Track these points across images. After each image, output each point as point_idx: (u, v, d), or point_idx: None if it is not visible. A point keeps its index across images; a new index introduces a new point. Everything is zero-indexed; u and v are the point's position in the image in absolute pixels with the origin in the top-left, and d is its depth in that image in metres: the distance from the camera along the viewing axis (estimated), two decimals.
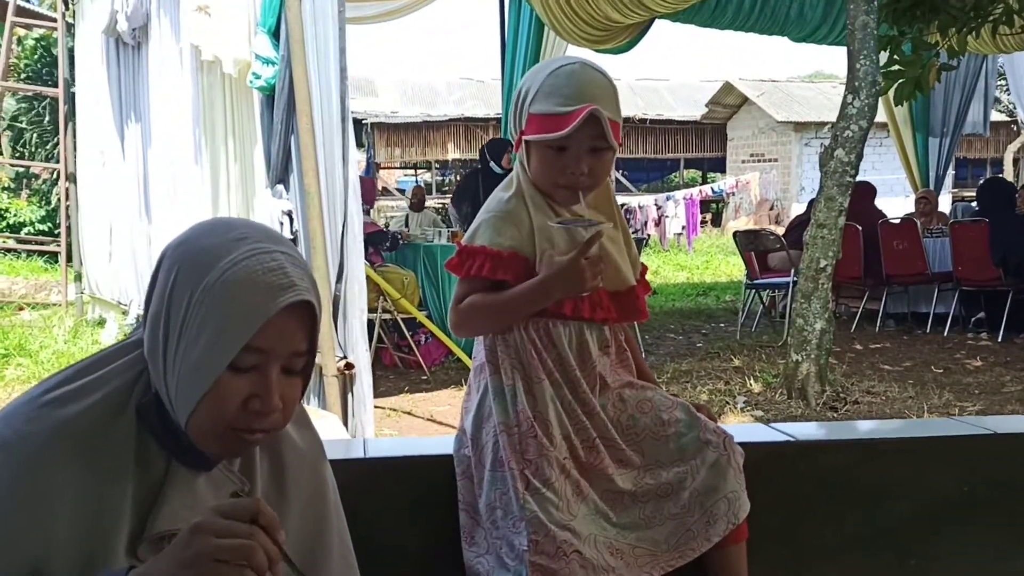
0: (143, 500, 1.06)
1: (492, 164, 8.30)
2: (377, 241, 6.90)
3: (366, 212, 8.96)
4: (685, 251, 17.03)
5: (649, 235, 17.62)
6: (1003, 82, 14.09)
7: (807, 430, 2.26)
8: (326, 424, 4.05)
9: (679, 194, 18.42)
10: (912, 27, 7.15)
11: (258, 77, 4.81)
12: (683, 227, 17.71)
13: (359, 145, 22.10)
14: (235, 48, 5.01)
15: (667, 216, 17.54)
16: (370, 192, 9.71)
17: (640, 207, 18.03)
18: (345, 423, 4.55)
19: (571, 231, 1.58)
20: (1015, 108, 13.62)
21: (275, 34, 4.77)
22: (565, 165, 1.59)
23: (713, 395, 5.41)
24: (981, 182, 10.21)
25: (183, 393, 1.05)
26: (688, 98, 24.50)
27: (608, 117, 1.55)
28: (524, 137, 1.63)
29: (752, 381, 5.60)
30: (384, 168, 24.00)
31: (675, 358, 6.86)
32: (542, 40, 10.21)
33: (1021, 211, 7.48)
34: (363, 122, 21.63)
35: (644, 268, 1.80)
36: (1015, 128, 19.45)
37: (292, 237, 4.91)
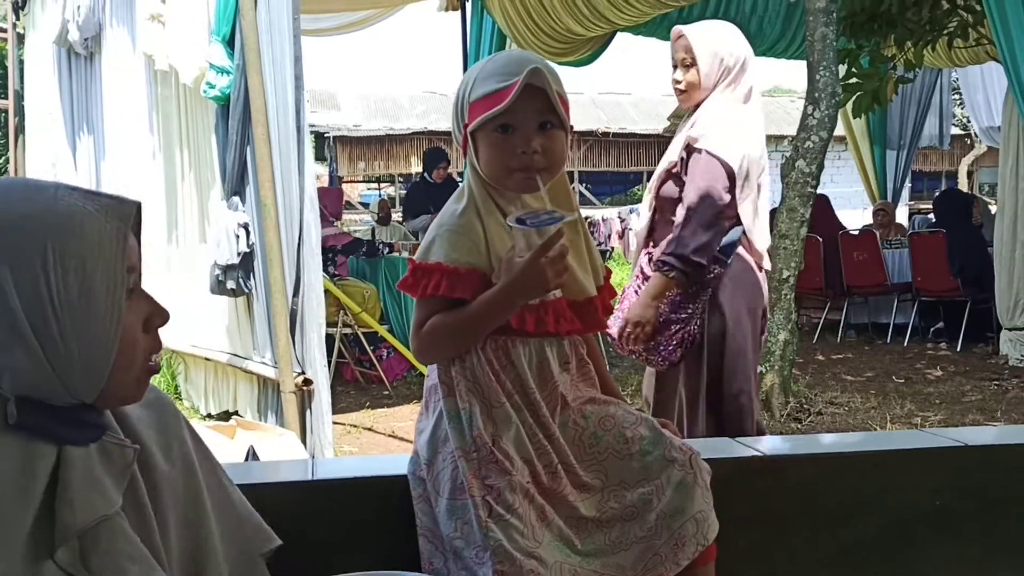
0: (45, 502, 0.99)
1: (426, 175, 8.28)
2: (353, 250, 6.82)
3: (334, 224, 8.86)
4: None
5: (613, 248, 17.69)
6: (957, 96, 14.32)
7: (774, 444, 2.21)
8: (284, 442, 3.94)
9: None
10: (870, 40, 7.24)
11: (212, 87, 4.71)
12: None
13: (322, 159, 21.95)
14: (190, 57, 4.91)
15: (630, 229, 17.62)
16: (338, 203, 9.60)
17: (604, 220, 18.10)
18: (304, 441, 4.44)
19: (527, 233, 1.49)
20: (969, 122, 13.84)
21: (230, 43, 4.68)
22: (515, 145, 1.50)
23: None
24: (937, 193, 10.34)
25: (94, 365, 0.99)
26: (650, 112, 24.67)
27: (556, 91, 1.49)
28: (468, 129, 1.54)
29: None
30: (347, 182, 23.84)
31: (639, 370, 6.81)
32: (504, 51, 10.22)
33: (977, 222, 7.57)
34: (325, 135, 21.49)
35: (608, 272, 1.72)
36: (969, 141, 19.78)
37: (249, 249, 4.80)
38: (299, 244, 4.52)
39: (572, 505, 1.53)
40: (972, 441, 1.86)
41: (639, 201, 21.46)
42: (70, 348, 0.97)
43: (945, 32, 7.26)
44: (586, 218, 18.04)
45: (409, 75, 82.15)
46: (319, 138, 21.19)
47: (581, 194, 24.12)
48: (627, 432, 1.58)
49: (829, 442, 2.46)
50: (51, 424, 1.00)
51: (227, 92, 4.67)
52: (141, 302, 1.05)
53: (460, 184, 1.69)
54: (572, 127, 1.58)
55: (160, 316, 1.06)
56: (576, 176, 24.26)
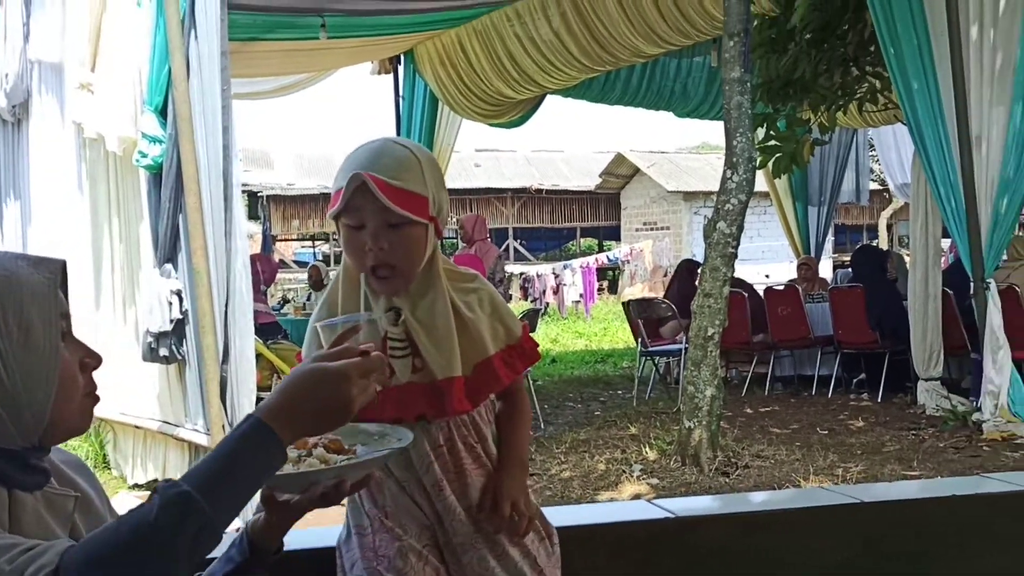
0: None
1: None
2: (270, 333, 6.82)
3: (264, 293, 8.86)
4: (583, 318, 17.29)
5: (548, 303, 17.88)
6: (874, 153, 14.94)
7: (688, 505, 2.31)
8: None
9: (576, 262, 18.82)
10: (786, 105, 7.57)
11: (144, 156, 4.75)
12: (581, 295, 18.05)
13: (255, 217, 21.83)
14: (120, 126, 4.94)
15: (565, 284, 17.86)
16: (271, 273, 9.58)
17: (538, 276, 18.32)
18: None
19: (330, 328, 1.34)
20: (885, 177, 14.44)
21: (162, 112, 4.73)
22: (363, 242, 1.45)
23: (610, 464, 5.47)
24: (854, 250, 10.74)
25: (38, 402, 1.05)
26: (582, 168, 25.17)
27: (397, 186, 1.42)
28: (328, 217, 1.53)
29: (648, 449, 5.68)
30: (281, 240, 23.73)
31: (573, 427, 6.91)
32: (436, 113, 10.38)
33: (892, 276, 7.89)
34: (259, 194, 21.42)
35: (525, 326, 1.69)
36: (888, 195, 20.57)
37: (181, 316, 4.80)
38: (226, 310, 4.55)
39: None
40: (868, 498, 1.99)
41: (573, 257, 21.79)
42: (16, 387, 1.04)
43: (856, 97, 7.65)
44: (520, 274, 18.01)
45: (344, 134, 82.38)
46: (252, 197, 21.12)
47: (516, 250, 24.38)
48: None
49: (739, 502, 2.56)
50: (2, 467, 1.05)
51: (159, 161, 4.71)
52: (74, 346, 1.12)
53: None
54: (441, 217, 1.52)
55: (93, 358, 1.13)
56: (511, 232, 24.53)
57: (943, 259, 8.43)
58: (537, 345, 1.71)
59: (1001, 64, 5.79)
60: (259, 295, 7.60)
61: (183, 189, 4.62)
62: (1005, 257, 6.50)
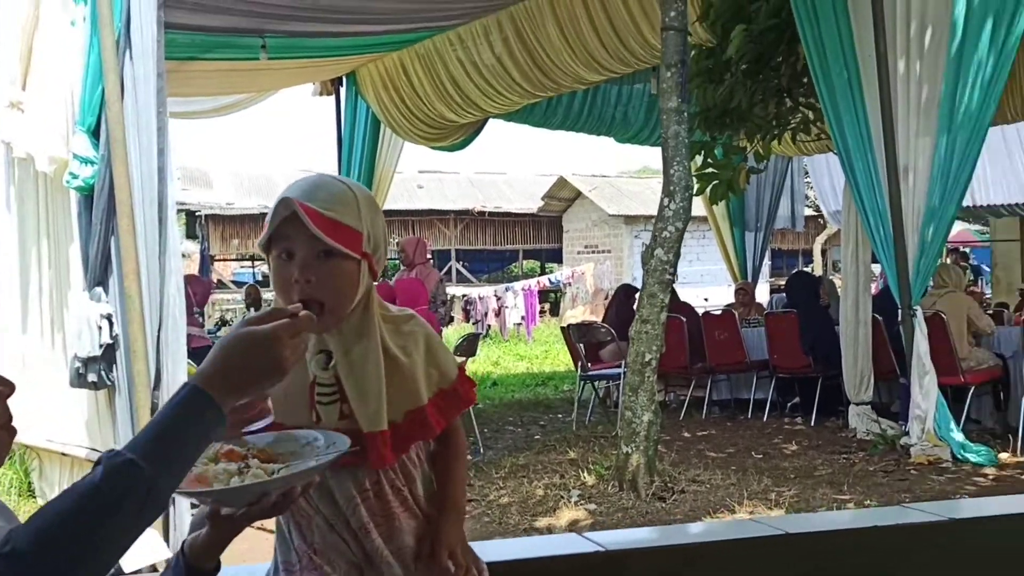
0: None
1: None
2: (204, 357, 6.69)
3: (199, 314, 8.71)
4: (525, 341, 17.33)
5: (490, 326, 17.88)
6: (809, 180, 15.30)
7: (617, 538, 2.33)
8: (145, 539, 3.82)
9: (518, 285, 18.87)
10: (723, 133, 7.73)
11: (76, 177, 4.64)
12: (522, 317, 18.10)
13: (193, 237, 21.48)
14: (51, 146, 4.83)
15: (507, 306, 17.90)
16: (205, 293, 9.43)
17: (480, 298, 18.33)
18: (167, 538, 4.31)
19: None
20: (819, 204, 14.79)
21: (95, 133, 4.64)
22: (291, 273, 1.40)
23: (548, 489, 5.47)
24: (789, 277, 10.97)
25: None
26: (525, 191, 25.31)
27: (330, 216, 1.39)
28: (257, 245, 1.52)
29: (586, 474, 5.70)
30: (219, 260, 23.37)
31: (513, 452, 6.91)
32: (379, 135, 10.36)
33: (825, 302, 8.07)
34: (197, 214, 21.11)
35: (462, 367, 1.66)
36: (822, 221, 21.05)
37: (112, 341, 4.70)
38: (159, 336, 4.47)
39: None
40: (795, 529, 2.02)
41: (516, 279, 21.86)
42: None
43: (790, 127, 7.84)
44: (463, 296, 17.99)
45: (285, 153, 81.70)
46: (190, 216, 20.80)
47: (458, 272, 24.38)
48: None
49: (670, 534, 2.59)
50: None
51: (91, 182, 4.61)
52: None
53: None
54: (377, 257, 1.49)
55: (6, 385, 1.08)
56: (453, 254, 24.52)
57: (874, 285, 8.65)
58: (474, 386, 1.69)
59: (927, 97, 5.99)
60: (192, 318, 7.47)
61: (115, 211, 4.53)
62: (932, 284, 6.69)
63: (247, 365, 1.12)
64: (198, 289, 8.72)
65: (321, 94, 10.44)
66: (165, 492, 1.00)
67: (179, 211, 20.67)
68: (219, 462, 1.30)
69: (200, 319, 8.99)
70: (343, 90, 10.35)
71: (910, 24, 5.94)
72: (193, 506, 4.09)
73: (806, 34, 6.30)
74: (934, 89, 5.94)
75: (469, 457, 6.68)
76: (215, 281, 19.94)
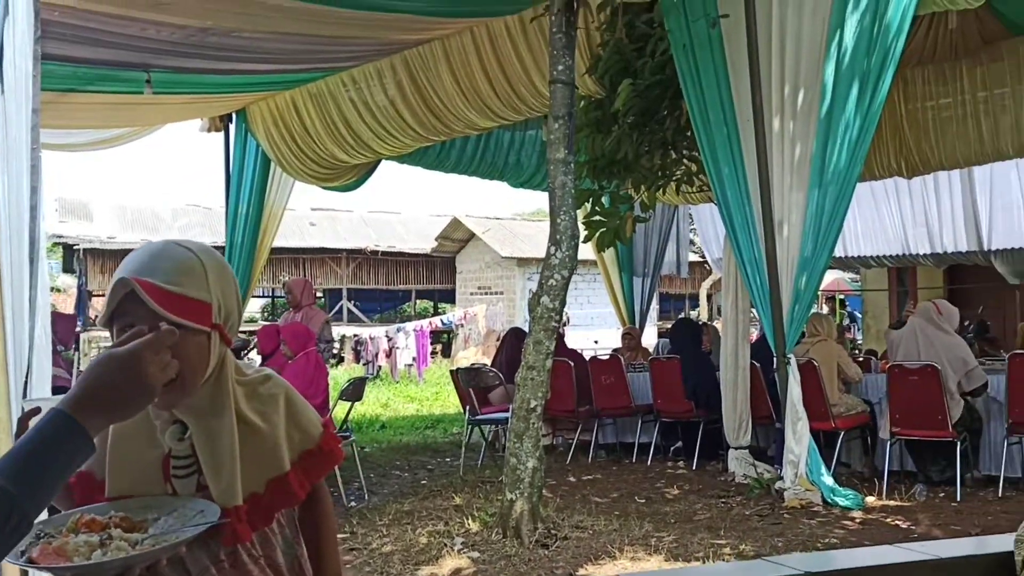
0: None
1: None
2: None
3: (62, 352, 8.32)
4: (416, 382, 17.21)
5: (380, 367, 17.70)
6: (695, 227, 15.77)
7: None
8: None
9: (410, 325, 18.77)
10: (610, 182, 7.92)
11: None
12: (414, 358, 17.99)
13: (71, 271, 20.61)
14: None
15: (398, 347, 17.76)
16: (69, 330, 9.01)
17: (371, 338, 18.14)
18: None
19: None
20: (704, 251, 15.28)
21: None
22: None
23: (432, 537, 5.42)
24: (673, 323, 11.25)
25: None
26: (419, 231, 25.30)
27: (174, 291, 1.35)
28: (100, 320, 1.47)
29: (471, 521, 5.67)
30: (98, 296, 22.47)
31: (398, 497, 6.83)
32: (269, 172, 10.21)
33: (707, 348, 8.30)
34: (75, 248, 20.29)
35: (326, 423, 1.64)
36: (708, 267, 21.72)
37: None
38: (30, 381, 4.26)
39: None
40: None
41: (408, 319, 21.73)
42: None
43: (674, 178, 8.10)
44: (353, 336, 17.73)
45: (173, 187, 79.36)
46: (68, 250, 19.98)
47: (349, 311, 24.10)
48: None
49: None
50: None
51: None
52: None
53: None
54: (229, 324, 1.45)
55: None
56: (345, 293, 24.24)
57: (753, 332, 8.96)
58: (340, 442, 1.67)
59: (799, 155, 6.28)
60: (57, 357, 7.14)
61: None
62: (806, 333, 6.97)
63: (112, 385, 1.12)
64: (62, 327, 8.33)
65: (210, 130, 10.24)
66: (32, 517, 1.00)
67: (56, 244, 19.77)
68: (79, 532, 1.25)
69: (66, 357, 8.58)
70: (232, 126, 10.18)
71: (784, 86, 6.24)
72: None
73: (689, 91, 6.55)
74: (806, 147, 6.24)
75: (353, 503, 6.59)
76: (92, 317, 19.12)
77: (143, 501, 1.38)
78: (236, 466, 1.44)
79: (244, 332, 15.48)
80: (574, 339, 17.23)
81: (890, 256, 12.86)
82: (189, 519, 1.33)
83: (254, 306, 26.41)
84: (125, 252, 20.74)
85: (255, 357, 11.86)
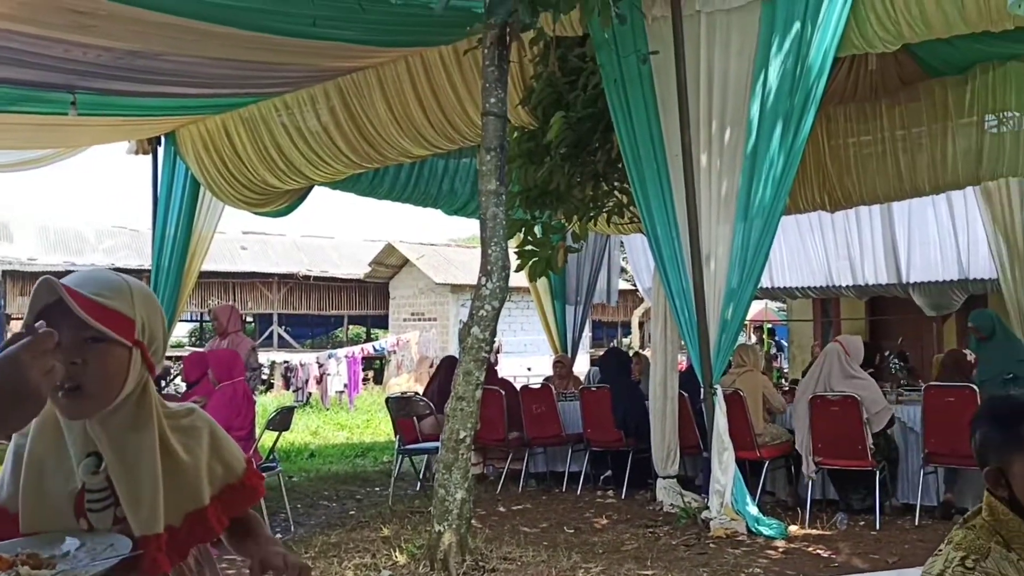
0: None
1: None
2: None
3: None
4: (347, 409, 17.00)
5: (311, 393, 17.45)
6: (627, 256, 15.96)
7: None
8: None
9: (342, 352, 18.56)
10: (543, 212, 8.00)
11: None
12: (345, 385, 17.78)
13: None
14: None
15: (329, 374, 17.54)
16: None
17: (302, 364, 17.88)
18: None
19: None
20: (635, 280, 15.47)
21: None
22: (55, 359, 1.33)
23: (358, 571, 5.34)
24: (603, 352, 11.35)
25: None
26: (352, 256, 25.10)
27: (98, 301, 1.36)
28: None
29: (398, 553, 5.61)
30: (16, 319, 21.74)
31: (325, 528, 6.73)
32: (198, 196, 10.03)
33: (636, 378, 8.39)
34: None
35: (249, 459, 1.64)
36: (640, 296, 21.99)
37: None
38: None
39: None
40: None
41: (340, 345, 21.50)
42: None
43: (605, 209, 8.21)
44: (283, 362, 17.48)
45: (100, 209, 77.48)
46: None
47: (280, 337, 23.74)
48: None
49: None
50: None
51: None
52: None
53: None
54: (153, 349, 1.45)
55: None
56: (275, 319, 23.89)
57: (682, 362, 9.08)
58: (262, 478, 1.67)
59: (726, 190, 6.43)
60: None
61: None
62: (732, 363, 7.10)
63: None
64: None
65: (137, 152, 10.04)
66: None
67: None
68: None
69: None
70: (161, 149, 10.00)
71: (712, 123, 6.40)
72: None
73: (620, 125, 6.66)
74: (732, 182, 6.39)
75: (279, 535, 6.46)
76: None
77: (50, 536, 1.35)
78: (159, 492, 1.43)
79: (170, 358, 15.13)
80: (508, 366, 17.27)
81: (814, 287, 13.19)
82: (99, 553, 1.30)
83: (181, 330, 25.86)
84: (46, 275, 20.21)
85: (179, 383, 11.59)
